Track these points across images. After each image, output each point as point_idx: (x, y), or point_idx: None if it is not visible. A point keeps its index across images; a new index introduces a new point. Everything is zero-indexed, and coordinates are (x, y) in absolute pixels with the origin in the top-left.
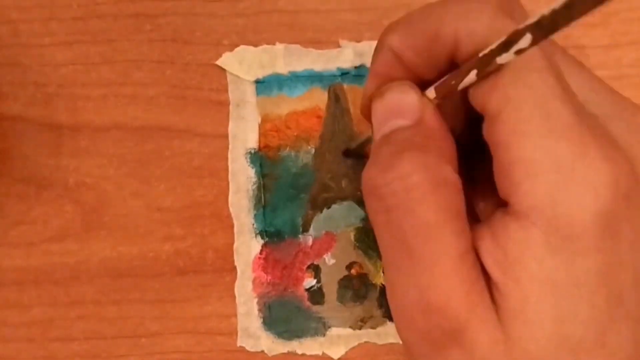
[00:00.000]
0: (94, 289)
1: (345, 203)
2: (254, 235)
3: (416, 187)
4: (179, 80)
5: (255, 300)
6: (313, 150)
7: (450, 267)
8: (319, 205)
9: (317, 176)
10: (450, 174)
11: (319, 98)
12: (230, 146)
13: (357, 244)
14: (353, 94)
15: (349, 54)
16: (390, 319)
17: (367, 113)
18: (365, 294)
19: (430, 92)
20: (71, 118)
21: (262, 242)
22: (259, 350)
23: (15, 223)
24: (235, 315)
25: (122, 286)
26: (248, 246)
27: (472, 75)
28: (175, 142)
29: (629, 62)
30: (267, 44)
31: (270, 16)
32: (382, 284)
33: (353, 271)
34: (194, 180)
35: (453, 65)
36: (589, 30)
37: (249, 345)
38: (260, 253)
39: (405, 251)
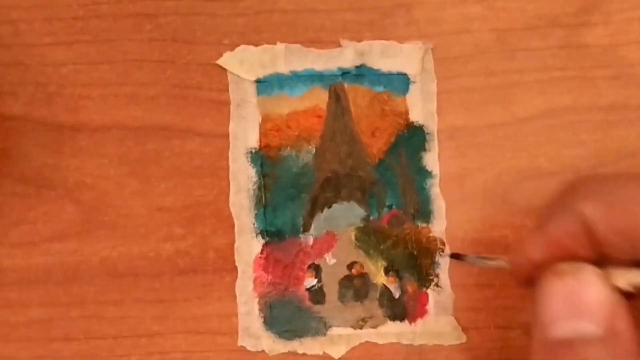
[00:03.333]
0: (94, 288)
1: (346, 203)
2: (254, 235)
3: None
4: (179, 80)
5: (256, 300)
6: (314, 150)
7: None
8: (319, 204)
9: (317, 176)
10: None
11: (320, 98)
12: (230, 146)
13: (358, 244)
14: (354, 93)
15: (350, 54)
16: (391, 318)
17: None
18: (366, 293)
19: (621, 279)
20: (72, 118)
21: (262, 241)
22: (260, 350)
23: (15, 223)
24: (236, 315)
25: (123, 286)
26: (249, 246)
27: None
28: (176, 142)
29: (631, 61)
30: (268, 43)
31: (271, 16)
32: (382, 284)
33: (354, 271)
34: (194, 180)
35: None
36: (590, 29)
37: (249, 345)
38: (261, 253)
39: None
